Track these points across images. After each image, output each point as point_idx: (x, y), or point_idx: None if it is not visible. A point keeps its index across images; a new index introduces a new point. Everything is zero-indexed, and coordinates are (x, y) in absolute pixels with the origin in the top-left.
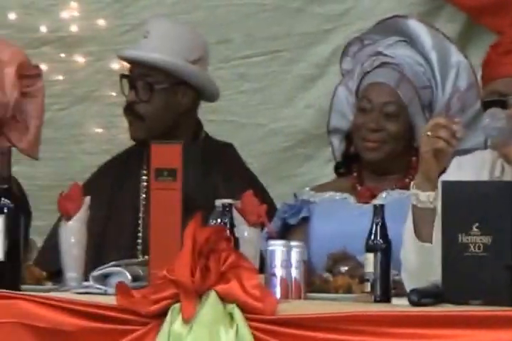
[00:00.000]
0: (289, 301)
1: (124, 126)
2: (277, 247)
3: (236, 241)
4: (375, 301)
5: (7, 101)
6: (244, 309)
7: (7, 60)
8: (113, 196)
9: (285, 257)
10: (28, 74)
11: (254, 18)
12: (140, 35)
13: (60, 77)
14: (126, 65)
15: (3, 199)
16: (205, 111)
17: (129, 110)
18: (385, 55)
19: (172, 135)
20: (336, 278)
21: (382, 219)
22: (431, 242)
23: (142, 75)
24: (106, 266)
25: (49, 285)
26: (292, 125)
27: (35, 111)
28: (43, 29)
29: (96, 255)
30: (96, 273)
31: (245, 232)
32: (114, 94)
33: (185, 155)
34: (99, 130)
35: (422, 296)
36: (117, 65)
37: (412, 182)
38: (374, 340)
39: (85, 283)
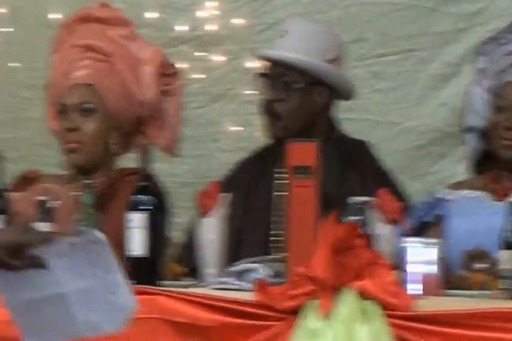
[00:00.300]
0: (425, 297)
1: (260, 124)
2: (414, 244)
3: (371, 238)
4: None
5: (146, 99)
6: (380, 305)
7: (146, 58)
8: (249, 193)
9: (422, 254)
10: (166, 72)
11: (388, 17)
12: (276, 34)
13: (198, 76)
14: (263, 63)
15: (144, 196)
16: (342, 110)
17: (266, 109)
18: None
19: (308, 133)
20: (472, 275)
21: None
22: None
23: (279, 74)
24: (243, 262)
25: (188, 281)
26: (426, 123)
27: (173, 109)
28: (181, 28)
29: (233, 251)
30: (234, 269)
31: (381, 229)
32: (250, 92)
33: (320, 153)
34: (236, 128)
35: None
36: (254, 64)
37: None
38: (510, 337)
39: (223, 279)
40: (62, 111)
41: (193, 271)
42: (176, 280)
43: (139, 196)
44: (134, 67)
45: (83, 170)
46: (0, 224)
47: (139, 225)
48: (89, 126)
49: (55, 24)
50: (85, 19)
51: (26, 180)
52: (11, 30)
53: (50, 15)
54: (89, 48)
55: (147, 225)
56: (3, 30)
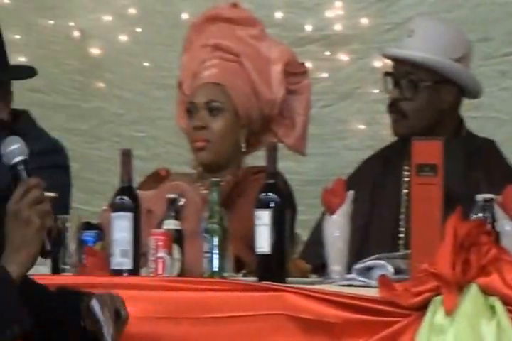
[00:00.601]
0: None
1: (386, 122)
2: None
3: (497, 235)
4: None
5: (274, 98)
6: (506, 302)
7: (275, 57)
8: (375, 191)
9: None
10: (294, 71)
11: None
12: (403, 34)
13: (325, 75)
14: (389, 62)
15: (271, 194)
16: (468, 108)
17: (393, 107)
18: None
19: (434, 132)
20: None
21: None
22: None
23: (406, 73)
24: (368, 259)
25: (313, 277)
26: None
27: (301, 107)
28: (309, 28)
29: (358, 248)
30: (359, 266)
31: (506, 226)
32: (376, 91)
33: (446, 151)
34: (362, 126)
35: None
36: (380, 63)
37: None
38: None
39: (348, 276)
40: (191, 109)
41: (318, 268)
42: (302, 277)
43: (266, 194)
44: (263, 66)
45: (211, 168)
46: (128, 221)
47: (266, 223)
48: (218, 124)
49: (184, 24)
50: (215, 19)
51: (157, 178)
52: (140, 30)
53: (179, 15)
54: (218, 48)
55: (274, 222)
56: (133, 30)
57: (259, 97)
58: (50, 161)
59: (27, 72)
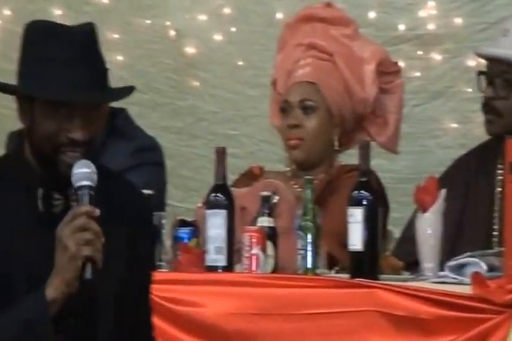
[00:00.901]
0: None
1: (479, 121)
2: None
3: None
4: None
5: (367, 97)
6: None
7: (368, 57)
8: (468, 189)
9: None
10: (387, 71)
11: None
12: (496, 33)
13: (417, 74)
14: (483, 62)
15: (362, 191)
16: None
17: (487, 106)
18: None
19: None
20: None
21: None
22: None
23: (501, 72)
24: (461, 256)
25: (406, 274)
26: None
27: (394, 106)
28: (401, 27)
29: (451, 246)
30: (452, 263)
31: None
32: (469, 90)
33: None
34: (455, 125)
35: None
36: (473, 62)
37: None
38: None
39: (441, 273)
40: (284, 108)
41: (411, 265)
42: (395, 274)
43: (358, 191)
44: (356, 65)
45: (304, 166)
46: (222, 219)
47: (359, 220)
48: (311, 123)
49: (278, 23)
50: (309, 19)
51: (251, 176)
52: (234, 29)
53: (274, 15)
54: (312, 47)
55: (366, 220)
56: (227, 29)
57: (352, 96)
58: (147, 159)
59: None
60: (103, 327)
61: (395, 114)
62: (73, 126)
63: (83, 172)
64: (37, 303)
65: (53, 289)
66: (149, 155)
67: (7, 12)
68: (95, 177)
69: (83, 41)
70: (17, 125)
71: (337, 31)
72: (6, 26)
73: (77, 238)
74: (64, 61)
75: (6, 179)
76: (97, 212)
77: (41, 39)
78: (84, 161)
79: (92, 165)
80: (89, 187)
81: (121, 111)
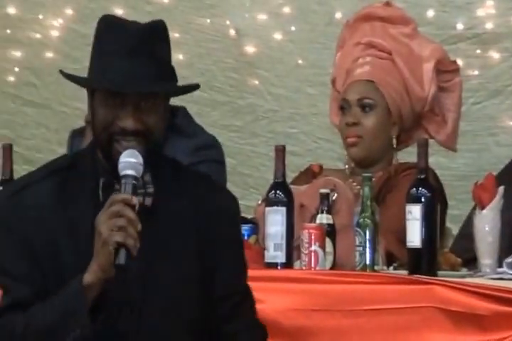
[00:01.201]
0: None
1: None
2: None
3: None
4: None
5: (425, 95)
6: None
7: (427, 55)
8: None
9: None
10: (446, 69)
11: None
12: None
13: (476, 72)
14: None
15: (420, 188)
16: None
17: None
18: None
19: None
20: None
21: None
22: None
23: None
24: None
25: (464, 271)
26: None
27: (452, 104)
28: (460, 26)
29: (509, 242)
30: (510, 259)
31: None
32: None
33: None
34: None
35: None
36: None
37: None
38: None
39: (499, 269)
40: (343, 106)
41: (469, 262)
42: (453, 270)
43: (417, 189)
44: (415, 64)
45: (363, 164)
46: (282, 216)
47: (417, 217)
48: (369, 121)
49: (337, 22)
50: (368, 18)
51: (310, 174)
52: (294, 28)
53: (333, 14)
54: (371, 46)
55: (425, 217)
56: (287, 28)
57: (410, 94)
58: (207, 156)
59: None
60: (149, 318)
61: (454, 112)
62: (124, 114)
63: (128, 162)
64: (74, 288)
65: (89, 274)
66: (209, 153)
67: (69, 11)
68: (140, 168)
69: (144, 35)
70: (79, 123)
71: (396, 30)
72: (68, 26)
73: (111, 224)
74: (121, 53)
75: (80, 170)
76: (135, 200)
77: (104, 33)
78: (131, 151)
79: (139, 156)
80: (133, 177)
81: (181, 109)
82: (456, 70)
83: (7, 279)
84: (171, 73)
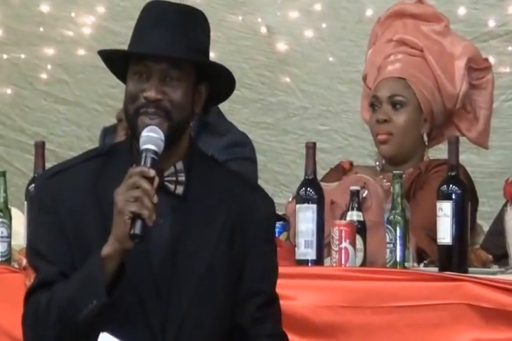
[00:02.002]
0: None
1: None
2: None
3: None
4: None
5: (457, 92)
6: None
7: (458, 53)
8: None
9: None
10: (478, 67)
11: None
12: None
13: (507, 70)
14: None
15: (451, 185)
16: None
17: None
18: None
19: None
20: None
21: None
22: None
23: None
24: None
25: (495, 268)
26: None
27: (484, 102)
28: (491, 23)
29: None
30: None
31: None
32: None
33: None
34: None
35: None
36: None
37: None
38: None
39: None
40: (374, 103)
41: (500, 258)
42: (484, 267)
43: (447, 186)
44: (446, 61)
45: (393, 161)
46: (312, 213)
47: (448, 214)
48: (401, 118)
49: (368, 20)
50: (400, 15)
51: (340, 171)
52: (325, 26)
53: (364, 11)
54: (402, 43)
55: (455, 214)
56: (318, 26)
57: (441, 92)
58: (238, 154)
59: None
60: (176, 303)
61: (486, 109)
62: (149, 86)
63: (149, 136)
64: (93, 260)
65: (107, 246)
66: (241, 151)
67: (101, 9)
68: (161, 143)
69: (180, 14)
70: (111, 121)
71: (428, 27)
72: (100, 23)
73: (127, 195)
74: (154, 25)
75: (116, 156)
76: (152, 172)
77: (144, 11)
78: (153, 127)
79: (160, 131)
80: (153, 152)
81: (213, 107)
82: (488, 68)
83: (39, 260)
84: (202, 53)
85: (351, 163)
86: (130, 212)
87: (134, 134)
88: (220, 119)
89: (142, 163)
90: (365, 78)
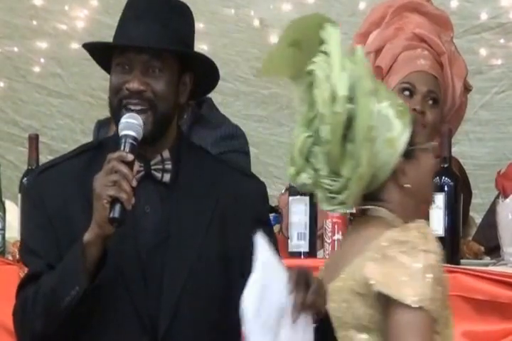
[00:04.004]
0: None
1: None
2: None
3: None
4: None
5: (455, 107)
6: None
7: (460, 69)
8: None
9: None
10: (465, 88)
11: None
12: None
13: (499, 62)
14: None
15: (444, 177)
16: None
17: None
18: None
19: None
20: None
21: None
22: None
23: None
24: None
25: (487, 259)
26: None
27: (457, 121)
28: (484, 16)
29: None
30: None
31: None
32: None
33: None
34: None
35: None
36: None
37: None
38: None
39: None
40: (411, 90)
41: (492, 250)
42: (476, 258)
43: (440, 178)
44: (452, 73)
45: None
46: (305, 205)
47: (440, 206)
48: (433, 115)
49: (361, 13)
50: (416, 10)
51: None
52: None
53: (357, 5)
54: (422, 40)
55: (448, 206)
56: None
57: (447, 100)
58: (231, 146)
59: None
60: (169, 292)
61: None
62: (132, 77)
63: (128, 122)
64: (74, 248)
65: (88, 231)
66: (233, 143)
67: (94, 3)
68: (140, 130)
69: (161, 6)
70: (104, 114)
71: (442, 33)
72: (93, 17)
73: (105, 179)
74: (135, 18)
75: (106, 150)
76: (130, 157)
77: (126, 7)
78: (133, 114)
79: (139, 118)
80: (133, 138)
81: (206, 99)
82: (469, 91)
83: (28, 254)
84: (183, 43)
85: None
86: (108, 195)
87: (118, 125)
88: (213, 112)
89: (121, 148)
90: (373, 53)
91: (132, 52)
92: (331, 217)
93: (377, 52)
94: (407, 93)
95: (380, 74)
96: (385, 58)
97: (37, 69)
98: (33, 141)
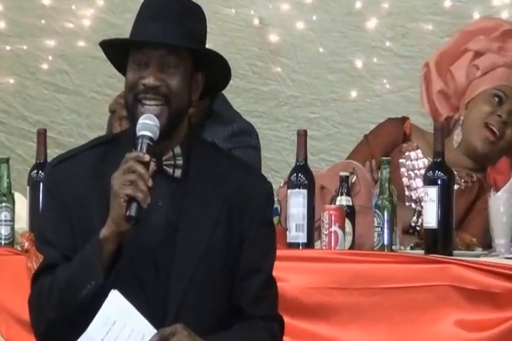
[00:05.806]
0: None
1: None
2: None
3: None
4: None
5: None
6: None
7: None
8: None
9: None
10: None
11: None
12: None
13: None
14: None
15: (437, 171)
16: None
17: None
18: None
19: None
20: None
21: None
22: None
23: None
24: None
25: (479, 250)
26: None
27: None
28: (476, 15)
29: None
30: None
31: None
32: None
33: None
34: None
35: None
36: None
37: None
38: None
39: None
40: (502, 97)
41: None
42: (468, 250)
43: (433, 171)
44: None
45: (479, 159)
46: (303, 198)
47: (433, 199)
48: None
49: (357, 12)
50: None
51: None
52: (315, 18)
53: (353, 4)
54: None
55: (441, 199)
56: (309, 18)
57: None
58: (243, 142)
59: None
60: (176, 282)
61: None
62: (147, 73)
63: (145, 123)
64: (91, 243)
65: (105, 228)
66: (245, 139)
67: (100, 2)
68: (157, 130)
69: (176, 6)
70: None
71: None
72: (99, 16)
73: (123, 179)
74: (151, 18)
75: (121, 143)
76: (147, 157)
77: (142, 7)
78: (149, 115)
79: (156, 119)
80: (149, 138)
81: (219, 95)
82: None
83: (44, 244)
84: (198, 42)
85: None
86: (125, 194)
87: (133, 122)
88: (225, 108)
89: (138, 148)
90: (473, 52)
91: (149, 49)
92: (328, 209)
93: (477, 54)
94: (496, 99)
95: (472, 73)
96: (485, 62)
97: (45, 66)
98: (41, 135)
